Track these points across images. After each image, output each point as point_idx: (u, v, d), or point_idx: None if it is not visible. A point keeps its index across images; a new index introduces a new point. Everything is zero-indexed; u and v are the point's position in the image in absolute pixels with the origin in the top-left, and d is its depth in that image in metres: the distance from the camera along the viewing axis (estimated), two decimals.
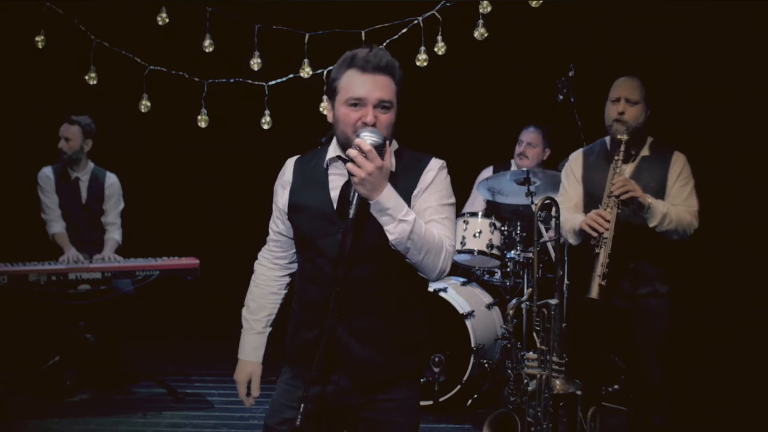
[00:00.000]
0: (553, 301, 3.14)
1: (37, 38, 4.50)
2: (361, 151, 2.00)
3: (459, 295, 4.62)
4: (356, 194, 2.04)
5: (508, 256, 4.64)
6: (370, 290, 2.16)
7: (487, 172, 5.14)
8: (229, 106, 4.87)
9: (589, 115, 3.65)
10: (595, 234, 3.22)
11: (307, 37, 4.42)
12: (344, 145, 2.12)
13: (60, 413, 4.38)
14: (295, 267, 2.36)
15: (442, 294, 4.53)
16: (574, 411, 3.29)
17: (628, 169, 3.42)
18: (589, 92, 3.59)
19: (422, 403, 4.38)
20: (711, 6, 4.56)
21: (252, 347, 2.39)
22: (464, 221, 4.71)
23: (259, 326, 2.39)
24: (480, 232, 4.64)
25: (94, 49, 4.54)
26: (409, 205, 2.14)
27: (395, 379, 2.23)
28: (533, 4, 4.12)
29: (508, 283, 4.73)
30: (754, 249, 4.80)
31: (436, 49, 4.32)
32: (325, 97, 2.28)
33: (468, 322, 4.47)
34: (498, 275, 4.86)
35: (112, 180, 5.05)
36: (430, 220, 2.15)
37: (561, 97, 4.22)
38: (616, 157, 3.34)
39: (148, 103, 4.68)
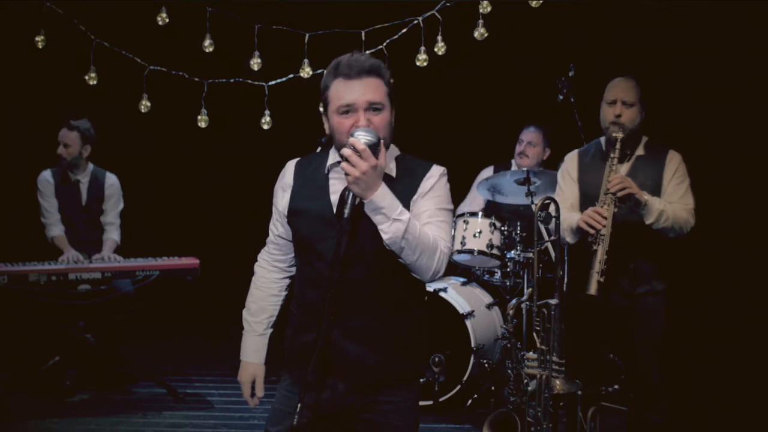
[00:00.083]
0: (553, 301, 3.14)
1: (37, 38, 4.50)
2: (355, 150, 2.01)
3: (459, 295, 4.62)
4: (351, 194, 2.05)
5: (508, 256, 4.64)
6: (367, 292, 2.16)
7: (488, 171, 5.14)
8: (229, 106, 4.87)
9: (589, 115, 3.65)
10: (592, 231, 3.23)
11: (307, 37, 4.42)
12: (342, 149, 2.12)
13: (60, 413, 4.38)
14: (294, 270, 2.37)
15: (442, 294, 4.54)
16: (574, 411, 3.29)
17: (624, 168, 3.43)
18: (589, 92, 3.59)
19: (422, 403, 4.43)
20: (711, 6, 4.56)
21: (254, 349, 2.39)
22: (464, 221, 4.71)
23: (260, 328, 2.39)
24: (480, 232, 4.64)
25: (94, 49, 4.54)
26: (408, 210, 2.13)
27: (393, 381, 2.23)
28: (533, 4, 4.12)
29: (508, 283, 4.73)
30: (754, 249, 4.80)
31: (436, 49, 4.32)
32: (321, 110, 2.28)
33: (468, 322, 4.47)
34: (498, 275, 4.85)
35: (112, 180, 5.05)
36: (426, 223, 2.15)
37: (561, 97, 4.23)
38: (612, 155, 3.35)
39: (148, 103, 4.68)
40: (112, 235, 5.00)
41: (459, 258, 4.77)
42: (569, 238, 3.44)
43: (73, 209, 4.95)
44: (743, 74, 4.73)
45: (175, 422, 4.32)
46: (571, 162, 3.62)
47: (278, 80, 4.60)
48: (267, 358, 2.40)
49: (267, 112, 4.62)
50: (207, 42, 4.52)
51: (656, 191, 3.37)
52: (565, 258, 3.70)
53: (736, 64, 4.73)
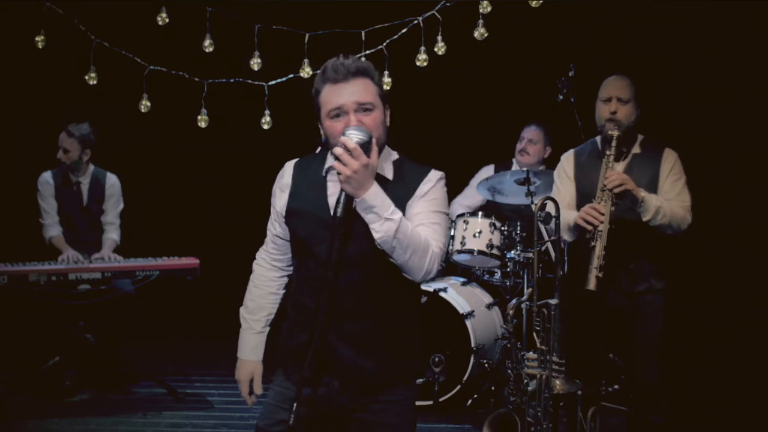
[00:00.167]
0: (553, 301, 3.14)
1: (37, 38, 4.50)
2: (346, 149, 2.01)
3: (459, 295, 4.62)
4: (344, 193, 2.05)
5: (508, 256, 4.64)
6: (361, 295, 2.16)
7: (488, 169, 5.15)
8: (229, 106, 4.87)
9: (589, 115, 3.65)
10: (590, 227, 3.24)
11: (307, 37, 4.42)
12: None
13: (60, 413, 4.38)
14: (292, 269, 2.37)
15: (442, 294, 4.54)
16: (574, 411, 3.29)
17: (620, 166, 3.44)
18: (589, 92, 3.59)
19: (422, 403, 4.45)
20: (711, 6, 4.56)
21: (252, 346, 2.40)
22: (464, 221, 4.71)
23: (259, 326, 2.40)
24: (480, 232, 4.64)
25: (94, 49, 4.53)
26: (403, 213, 2.14)
27: (389, 382, 2.23)
28: (533, 4, 4.12)
29: (508, 283, 4.73)
30: (754, 249, 4.80)
31: (436, 49, 4.32)
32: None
33: (468, 322, 4.47)
34: (498, 275, 4.86)
35: (112, 180, 5.06)
36: (419, 224, 2.15)
37: (561, 97, 4.23)
38: (607, 153, 3.36)
39: (148, 103, 4.67)
40: (112, 235, 5.00)
41: (459, 258, 4.77)
42: (567, 236, 3.45)
43: (74, 210, 4.95)
44: (743, 74, 4.73)
45: (175, 422, 4.32)
46: (567, 161, 3.63)
47: (278, 80, 4.60)
48: (264, 357, 2.40)
49: (267, 112, 4.62)
50: (207, 42, 4.52)
51: (652, 189, 3.38)
52: (566, 258, 3.70)
53: (736, 64, 4.73)
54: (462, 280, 4.95)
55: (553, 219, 3.31)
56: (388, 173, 2.21)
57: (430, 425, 4.30)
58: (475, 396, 4.49)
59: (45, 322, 4.75)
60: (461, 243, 4.67)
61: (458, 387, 4.45)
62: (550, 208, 3.33)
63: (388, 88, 4.37)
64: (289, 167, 2.33)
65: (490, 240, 4.62)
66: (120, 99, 4.93)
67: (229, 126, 5.33)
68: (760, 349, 4.63)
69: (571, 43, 5.04)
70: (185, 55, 4.64)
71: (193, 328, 6.40)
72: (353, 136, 2.04)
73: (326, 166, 2.24)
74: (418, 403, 4.62)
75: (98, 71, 4.57)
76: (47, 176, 4.95)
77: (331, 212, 2.15)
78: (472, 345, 4.43)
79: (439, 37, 4.29)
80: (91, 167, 5.01)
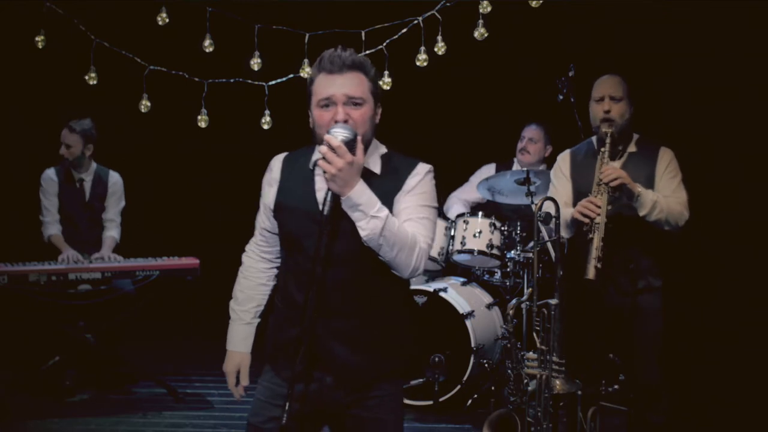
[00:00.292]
0: (553, 301, 3.14)
1: (37, 38, 4.50)
2: (331, 147, 2.01)
3: (459, 295, 4.62)
4: (330, 191, 2.06)
5: (508, 256, 4.64)
6: (351, 291, 2.17)
7: (489, 168, 5.15)
8: (229, 106, 4.87)
9: (589, 115, 3.65)
10: (587, 220, 3.25)
11: (307, 37, 4.42)
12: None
13: (60, 413, 4.38)
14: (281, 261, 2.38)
15: (442, 294, 4.54)
16: (574, 411, 3.29)
17: (616, 165, 3.45)
18: (589, 92, 3.59)
19: (422, 403, 4.45)
20: (711, 6, 4.56)
21: (241, 337, 2.40)
22: (464, 221, 4.72)
23: (248, 317, 2.40)
24: (480, 232, 4.64)
25: (94, 49, 4.54)
26: (391, 207, 2.14)
27: (379, 378, 2.24)
28: (533, 4, 4.12)
29: (508, 283, 4.73)
30: (754, 249, 4.80)
31: (436, 49, 4.32)
32: None
33: (468, 322, 4.47)
34: (498, 275, 4.86)
35: (115, 178, 5.07)
36: (407, 219, 2.16)
37: (561, 97, 4.23)
38: (602, 149, 3.37)
39: (148, 103, 4.68)
40: (112, 233, 5.00)
41: (459, 258, 4.78)
42: (564, 233, 3.46)
43: (76, 207, 4.95)
44: (743, 74, 4.73)
45: (175, 422, 4.32)
46: (563, 161, 3.65)
47: (278, 80, 4.60)
48: (254, 352, 2.40)
49: (267, 112, 4.62)
50: (207, 42, 4.52)
51: (649, 187, 3.39)
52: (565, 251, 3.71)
53: (736, 64, 4.73)
54: (462, 280, 4.96)
55: (553, 219, 3.31)
56: (376, 168, 2.21)
57: (430, 425, 4.30)
58: (475, 396, 4.49)
59: (45, 322, 4.75)
60: (461, 243, 4.67)
61: (458, 387, 4.45)
62: (550, 208, 3.33)
63: (388, 88, 4.38)
64: (277, 161, 2.34)
65: (490, 240, 4.63)
66: (120, 99, 4.93)
67: (229, 126, 5.34)
68: (760, 349, 4.63)
69: (571, 43, 5.04)
70: (185, 55, 4.64)
71: (193, 328, 6.40)
72: (338, 134, 2.05)
73: (314, 159, 2.24)
74: (418, 403, 4.65)
75: (98, 71, 4.57)
76: (51, 173, 4.95)
77: (320, 207, 2.16)
78: (472, 345, 4.43)
79: (439, 37, 4.29)
80: (94, 165, 5.01)
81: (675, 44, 4.84)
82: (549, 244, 3.88)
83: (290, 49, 4.47)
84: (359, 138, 2.08)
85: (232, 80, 4.68)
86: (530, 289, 3.21)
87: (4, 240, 5.21)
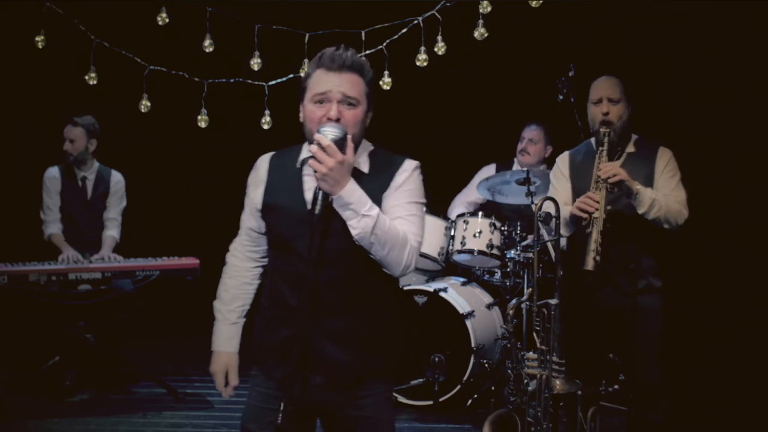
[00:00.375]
0: (553, 301, 3.14)
1: (37, 38, 4.50)
2: (320, 146, 2.01)
3: (459, 295, 4.62)
4: (321, 190, 2.06)
5: (508, 256, 4.64)
6: (342, 290, 2.17)
7: (489, 169, 5.15)
8: (229, 106, 4.86)
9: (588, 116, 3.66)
10: (585, 215, 3.25)
11: (307, 37, 4.42)
12: (311, 143, 2.12)
13: (60, 413, 4.38)
14: (267, 260, 2.37)
15: (442, 294, 4.53)
16: (574, 411, 3.29)
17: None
18: (587, 94, 3.59)
19: (422, 403, 4.45)
20: (711, 6, 4.56)
21: (227, 337, 2.40)
22: (464, 221, 4.72)
23: (234, 316, 2.40)
24: (480, 232, 4.64)
25: (94, 49, 4.54)
26: (380, 205, 2.15)
27: (370, 377, 2.24)
28: (533, 4, 4.12)
29: (508, 283, 4.73)
30: (754, 249, 4.80)
31: (436, 49, 4.32)
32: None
33: (468, 322, 4.47)
34: (498, 275, 4.86)
35: (117, 178, 5.08)
36: (397, 217, 2.16)
37: (561, 97, 4.23)
38: (600, 148, 3.38)
39: (148, 103, 4.68)
40: (112, 232, 5.00)
41: (459, 258, 4.78)
42: (564, 231, 3.46)
43: (78, 206, 4.95)
44: (743, 74, 4.73)
45: (175, 422, 4.32)
46: (562, 162, 3.67)
47: (278, 80, 4.60)
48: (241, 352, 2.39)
49: (267, 112, 4.62)
50: (207, 42, 4.52)
51: (648, 186, 3.39)
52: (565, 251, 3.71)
53: (736, 64, 4.72)
54: (462, 280, 4.96)
55: (553, 219, 3.32)
56: (364, 167, 2.21)
57: (430, 425, 4.30)
58: (475, 396, 4.49)
59: (45, 322, 4.74)
60: (461, 243, 4.67)
61: (458, 387, 4.45)
62: (550, 208, 3.33)
63: (388, 88, 4.38)
64: (263, 161, 2.33)
65: (490, 240, 4.63)
66: (120, 99, 4.93)
67: (229, 126, 5.33)
68: (760, 349, 4.62)
69: (571, 43, 5.04)
70: (185, 55, 4.64)
71: (193, 328, 6.36)
72: (328, 134, 2.05)
73: (301, 157, 2.24)
74: (418, 403, 4.65)
75: (98, 71, 4.57)
76: (54, 171, 4.95)
77: (308, 207, 2.16)
78: (472, 345, 4.43)
79: (439, 37, 4.29)
80: (96, 163, 5.02)
81: (675, 44, 4.84)
82: (549, 244, 3.89)
83: (290, 49, 4.47)
84: (349, 137, 2.08)
85: (232, 80, 4.68)
86: (530, 289, 3.22)
87: (4, 240, 5.21)
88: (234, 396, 2.44)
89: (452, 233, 4.76)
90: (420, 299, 4.59)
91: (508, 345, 4.18)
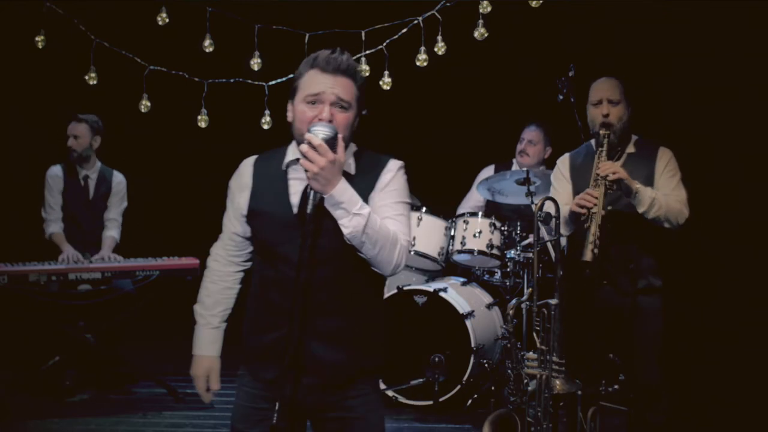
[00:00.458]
0: (553, 301, 3.14)
1: (37, 38, 4.51)
2: (312, 146, 2.01)
3: (459, 295, 4.62)
4: (312, 190, 2.06)
5: (508, 256, 4.64)
6: (331, 291, 2.17)
7: (488, 170, 5.15)
8: (229, 106, 4.86)
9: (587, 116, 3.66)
10: (584, 211, 3.25)
11: (307, 37, 4.42)
12: (300, 143, 2.12)
13: (60, 413, 4.38)
14: (250, 264, 2.38)
15: (442, 294, 4.53)
16: (574, 411, 3.29)
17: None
18: (587, 95, 3.60)
19: (422, 403, 4.45)
20: (711, 6, 4.56)
21: (209, 341, 2.39)
22: (464, 221, 4.72)
23: (216, 321, 2.39)
24: (480, 232, 4.64)
25: (94, 49, 4.54)
26: (367, 205, 2.15)
27: (357, 376, 2.24)
28: (533, 4, 4.12)
29: (508, 283, 4.73)
30: (754, 249, 4.80)
31: (436, 49, 4.32)
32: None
33: (468, 322, 4.46)
34: (498, 275, 4.86)
35: (119, 178, 5.09)
36: (385, 217, 2.17)
37: (561, 97, 4.23)
38: (599, 149, 3.38)
39: (148, 103, 4.68)
40: (112, 233, 5.00)
41: (459, 258, 4.78)
42: (564, 230, 3.46)
43: (79, 205, 4.96)
44: (743, 74, 4.73)
45: (175, 422, 4.32)
46: (563, 163, 3.68)
47: (278, 80, 4.60)
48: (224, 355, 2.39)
49: (267, 112, 4.62)
50: (207, 42, 4.52)
51: (648, 186, 3.39)
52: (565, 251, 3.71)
53: (736, 64, 4.73)
54: (462, 280, 4.96)
55: (553, 219, 3.32)
56: (350, 168, 2.21)
57: (430, 425, 4.30)
58: (475, 396, 4.49)
59: (45, 322, 4.74)
60: (461, 243, 4.67)
61: (458, 387, 4.45)
62: (550, 208, 3.33)
63: (388, 88, 4.38)
64: (247, 165, 2.32)
65: (490, 240, 4.63)
66: (120, 99, 4.93)
67: (229, 126, 5.34)
68: (760, 349, 4.63)
69: (571, 43, 5.04)
70: (185, 55, 4.64)
71: (193, 328, 6.38)
72: (318, 133, 2.05)
73: (286, 160, 2.23)
74: (418, 403, 4.65)
75: (98, 71, 4.57)
76: (56, 170, 4.95)
77: (294, 211, 2.16)
78: (472, 345, 4.43)
79: (439, 37, 4.29)
80: (99, 163, 5.03)
81: (675, 44, 4.84)
82: (549, 244, 3.89)
83: (290, 49, 4.47)
84: (340, 136, 2.08)
85: (232, 80, 4.68)
86: (530, 289, 3.22)
87: (4, 240, 5.21)
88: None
89: (452, 233, 4.76)
90: (420, 299, 4.59)
91: (508, 345, 4.18)
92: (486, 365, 4.51)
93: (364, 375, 2.26)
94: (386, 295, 4.69)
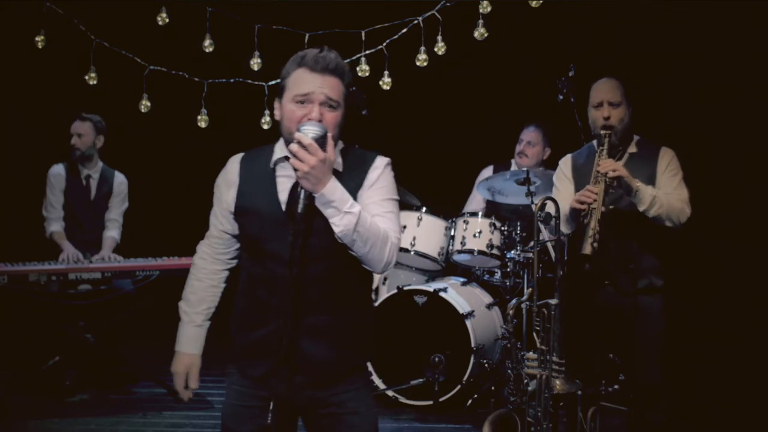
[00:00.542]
0: (553, 301, 3.14)
1: (37, 38, 4.51)
2: (302, 145, 2.01)
3: (459, 295, 4.62)
4: (303, 189, 2.06)
5: (508, 256, 4.64)
6: (321, 288, 2.18)
7: (488, 171, 5.15)
8: (229, 106, 4.87)
9: (588, 117, 3.66)
10: (584, 207, 3.25)
11: (307, 37, 4.43)
12: (289, 142, 2.13)
13: (60, 413, 4.38)
14: (236, 262, 2.39)
15: (442, 294, 4.53)
16: (574, 411, 3.29)
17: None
18: (587, 95, 3.60)
19: (422, 403, 4.45)
20: (711, 6, 4.56)
21: (192, 339, 2.43)
22: (464, 221, 4.72)
23: (199, 319, 2.41)
24: (480, 232, 4.64)
25: (94, 49, 4.54)
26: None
27: (347, 372, 2.25)
28: (533, 4, 4.13)
29: (508, 283, 4.73)
30: (754, 249, 4.80)
31: (436, 49, 4.33)
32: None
33: (468, 322, 4.46)
34: (498, 275, 4.86)
35: (121, 179, 5.09)
36: (374, 215, 2.17)
37: (561, 97, 4.22)
38: (600, 148, 3.38)
39: (148, 103, 4.68)
40: (113, 233, 5.01)
41: (459, 258, 4.78)
42: (565, 228, 3.46)
43: (81, 204, 4.96)
44: (743, 74, 4.73)
45: (175, 422, 4.32)
46: (565, 164, 3.68)
47: (278, 80, 4.60)
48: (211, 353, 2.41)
49: (267, 112, 4.62)
50: (207, 42, 4.53)
51: (650, 185, 3.39)
52: (566, 258, 3.71)
53: (736, 64, 4.73)
54: (462, 280, 4.95)
55: (553, 219, 3.32)
56: (338, 165, 2.22)
57: (430, 425, 4.30)
58: (475, 396, 4.49)
59: (45, 322, 4.74)
60: (461, 243, 4.67)
61: (458, 387, 4.45)
62: (550, 208, 3.33)
63: (388, 88, 4.37)
64: (234, 162, 2.33)
65: (490, 240, 4.63)
66: (120, 99, 4.93)
67: (229, 126, 5.34)
68: (760, 349, 4.63)
69: (571, 43, 5.04)
70: (185, 55, 4.64)
71: None
72: (308, 132, 2.05)
73: (274, 158, 2.24)
74: (418, 403, 4.64)
75: (98, 71, 4.57)
76: (59, 168, 4.95)
77: (283, 208, 2.17)
78: (472, 345, 4.43)
79: (439, 37, 4.29)
80: (101, 163, 5.03)
81: (675, 44, 4.84)
82: (549, 244, 3.89)
83: (290, 49, 4.45)
84: (330, 135, 2.09)
85: (232, 80, 4.68)
86: (530, 289, 3.22)
87: (4, 240, 5.21)
88: None
89: (452, 233, 4.76)
90: (420, 299, 4.59)
91: (508, 345, 4.18)
92: (486, 365, 4.51)
93: (355, 370, 2.28)
94: (386, 295, 4.70)
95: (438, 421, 4.36)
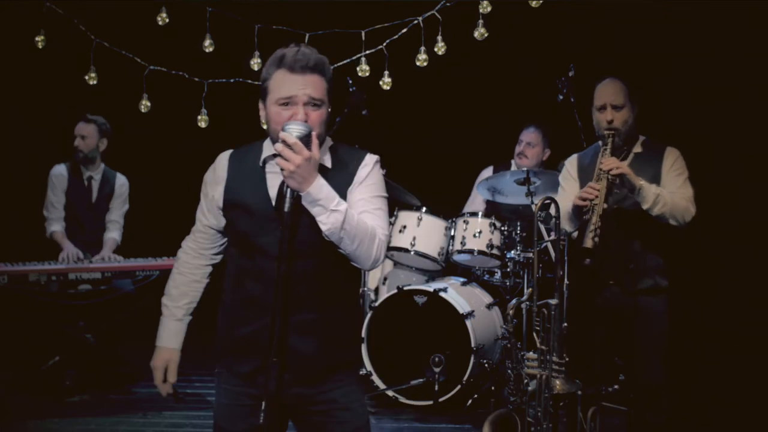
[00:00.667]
0: (553, 301, 3.14)
1: (37, 38, 4.51)
2: (286, 144, 2.02)
3: (459, 295, 4.62)
4: (289, 188, 2.07)
5: (508, 256, 4.64)
6: (309, 285, 2.18)
7: (487, 171, 5.15)
8: (229, 106, 4.87)
9: (589, 115, 3.66)
10: (586, 203, 3.25)
11: (307, 37, 4.42)
12: (275, 142, 2.13)
13: (60, 413, 4.38)
14: (220, 258, 2.39)
15: (442, 294, 4.53)
16: (574, 411, 3.29)
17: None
18: (589, 92, 3.60)
19: (422, 403, 4.45)
20: (711, 6, 4.56)
21: (172, 333, 2.41)
22: (464, 221, 4.72)
23: (180, 313, 2.42)
24: (480, 232, 4.64)
25: (94, 49, 4.54)
26: (345, 199, 2.17)
27: (336, 369, 2.26)
28: (533, 4, 4.13)
29: (508, 283, 4.73)
30: (754, 249, 4.80)
31: (436, 49, 4.33)
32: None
33: (468, 322, 4.46)
34: (498, 275, 4.86)
35: (122, 180, 5.09)
36: (362, 212, 2.18)
37: (561, 97, 4.23)
38: (603, 147, 3.38)
39: (148, 103, 4.68)
40: (113, 234, 5.00)
41: (459, 258, 4.78)
42: (568, 227, 3.46)
43: (82, 205, 4.96)
44: (743, 74, 4.73)
45: (175, 422, 4.32)
46: (571, 164, 3.68)
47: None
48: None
49: None
50: (207, 42, 4.53)
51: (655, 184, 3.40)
52: (566, 258, 3.70)
53: (736, 64, 4.73)
54: (462, 280, 4.95)
55: (553, 219, 3.32)
56: (327, 162, 2.22)
57: (430, 425, 4.30)
58: (475, 396, 4.48)
59: (45, 322, 4.74)
60: (461, 243, 4.67)
61: (458, 387, 4.45)
62: (550, 208, 3.33)
63: (388, 88, 4.37)
64: (223, 159, 2.34)
65: (490, 240, 4.63)
66: (120, 99, 4.93)
67: (229, 126, 5.33)
68: (760, 349, 4.63)
69: (571, 43, 5.04)
70: (185, 55, 4.64)
71: (192, 328, 6.38)
72: (293, 131, 2.05)
73: (263, 156, 2.25)
74: (418, 403, 4.64)
75: (98, 71, 4.57)
76: (61, 168, 4.95)
77: (273, 204, 2.17)
78: (472, 345, 4.43)
79: (439, 37, 4.29)
80: (103, 165, 5.04)
81: (675, 44, 4.84)
82: (549, 244, 3.89)
83: None
84: (314, 133, 2.09)
85: (232, 80, 4.68)
86: (530, 289, 3.22)
87: (4, 240, 5.21)
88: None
89: (452, 233, 4.76)
90: (420, 299, 4.59)
91: (508, 345, 4.18)
92: (486, 365, 4.51)
93: (343, 367, 2.28)
94: (386, 295, 4.70)
95: (438, 421, 4.35)
